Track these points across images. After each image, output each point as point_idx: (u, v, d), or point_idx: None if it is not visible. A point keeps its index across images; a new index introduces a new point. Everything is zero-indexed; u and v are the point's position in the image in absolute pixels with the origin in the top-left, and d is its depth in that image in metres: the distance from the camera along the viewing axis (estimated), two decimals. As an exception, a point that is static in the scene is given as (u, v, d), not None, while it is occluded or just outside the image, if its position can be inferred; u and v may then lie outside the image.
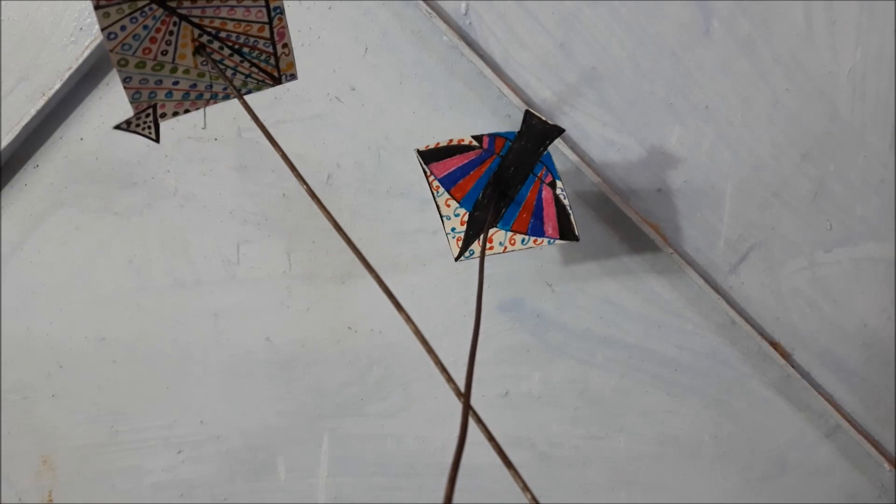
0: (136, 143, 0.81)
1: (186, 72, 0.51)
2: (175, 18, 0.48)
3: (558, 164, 0.83)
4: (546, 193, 0.64)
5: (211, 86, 0.53)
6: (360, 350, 0.86)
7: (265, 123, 0.82)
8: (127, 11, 0.45)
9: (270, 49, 0.52)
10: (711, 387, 0.88)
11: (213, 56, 0.51)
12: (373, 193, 0.83)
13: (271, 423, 0.87)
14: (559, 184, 0.63)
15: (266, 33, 0.51)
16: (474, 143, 0.62)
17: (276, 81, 0.55)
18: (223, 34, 0.50)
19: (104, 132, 0.81)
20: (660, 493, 0.90)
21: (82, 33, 0.78)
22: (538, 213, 0.64)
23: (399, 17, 0.80)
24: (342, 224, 0.84)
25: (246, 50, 0.52)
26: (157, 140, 0.53)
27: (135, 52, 0.48)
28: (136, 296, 0.84)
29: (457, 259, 0.67)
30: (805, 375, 0.88)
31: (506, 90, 0.79)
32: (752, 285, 0.87)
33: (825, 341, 0.89)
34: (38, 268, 0.83)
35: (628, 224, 0.83)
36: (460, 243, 0.67)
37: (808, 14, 0.82)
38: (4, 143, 0.77)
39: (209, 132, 0.81)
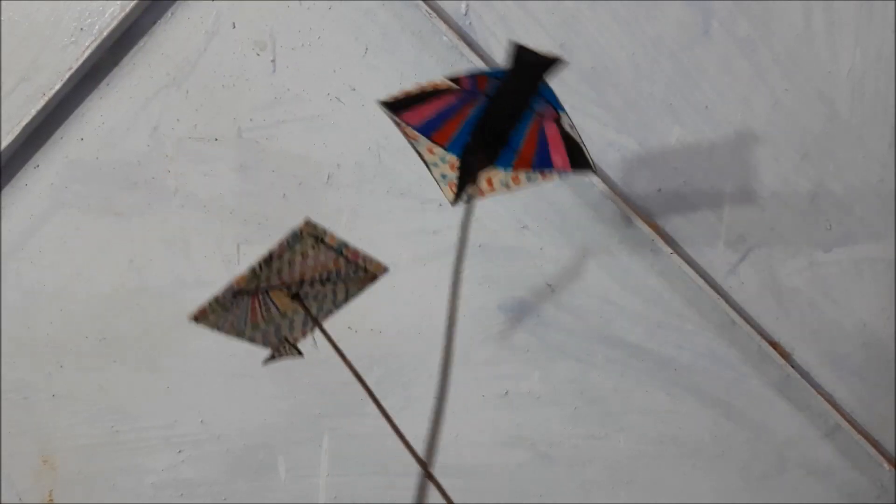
0: (136, 143, 0.81)
1: (296, 311, 0.58)
2: (260, 294, 0.55)
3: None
4: (550, 129, 0.55)
5: (319, 311, 0.60)
6: (360, 350, 0.86)
7: (266, 123, 0.83)
8: (220, 311, 0.54)
9: (354, 267, 0.58)
10: (711, 387, 0.89)
11: (308, 295, 0.58)
12: (373, 193, 0.83)
13: (272, 422, 0.87)
14: (565, 116, 0.54)
15: (342, 262, 0.57)
16: (452, 85, 0.53)
17: (374, 279, 0.60)
18: (307, 279, 0.56)
19: (105, 132, 0.81)
20: (660, 493, 0.90)
21: (83, 34, 0.78)
22: (542, 148, 0.57)
23: (399, 17, 0.80)
24: (342, 224, 0.84)
25: (334, 276, 0.58)
26: (302, 354, 0.61)
27: (245, 323, 0.56)
28: (136, 296, 0.84)
29: (454, 203, 0.60)
30: (805, 375, 0.88)
31: (506, 90, 0.79)
32: (752, 285, 0.87)
33: (825, 341, 0.89)
34: (39, 268, 0.83)
35: (628, 224, 0.83)
36: (454, 189, 0.60)
37: (807, 15, 0.82)
38: (5, 143, 0.77)
39: (209, 132, 0.81)
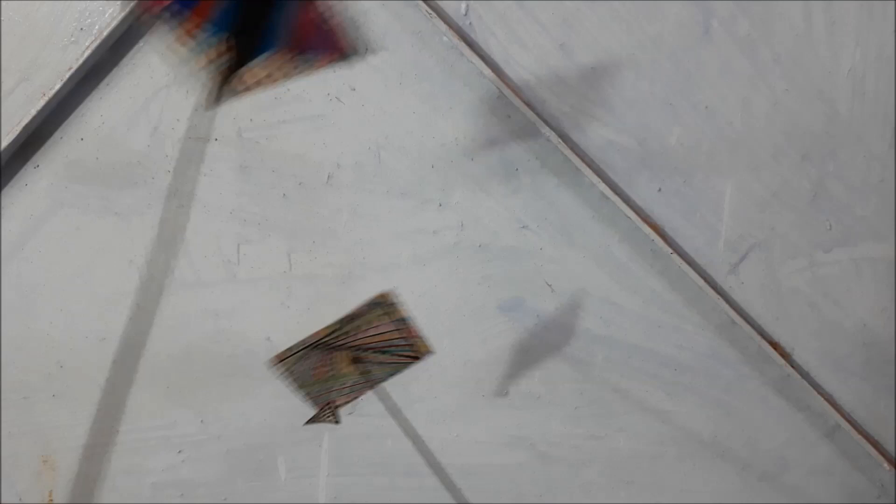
0: (136, 143, 0.81)
1: (348, 375, 0.68)
2: (329, 350, 0.65)
3: (557, 164, 0.83)
4: (311, 13, 0.50)
5: (367, 380, 0.69)
6: (360, 350, 0.86)
7: (266, 123, 0.83)
8: (296, 359, 0.64)
9: (406, 343, 0.67)
10: (711, 387, 0.89)
11: (365, 360, 0.68)
12: (373, 193, 0.83)
13: (271, 422, 0.87)
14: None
15: (398, 336, 0.66)
16: None
17: (417, 358, 0.69)
18: (370, 346, 0.66)
19: (104, 132, 0.81)
20: (659, 493, 0.90)
21: (83, 33, 0.78)
22: (308, 34, 0.51)
23: (399, 17, 0.80)
24: (342, 223, 0.84)
25: (390, 349, 0.67)
26: (338, 422, 0.70)
27: (308, 377, 0.66)
28: (136, 296, 0.84)
29: (214, 104, 0.52)
30: (805, 375, 0.88)
31: (506, 90, 0.79)
32: (752, 285, 0.87)
33: (825, 341, 0.89)
34: (39, 268, 0.83)
35: (628, 224, 0.83)
36: (217, 82, 0.52)
37: (807, 14, 0.82)
38: (5, 143, 0.77)
39: (209, 132, 0.81)
